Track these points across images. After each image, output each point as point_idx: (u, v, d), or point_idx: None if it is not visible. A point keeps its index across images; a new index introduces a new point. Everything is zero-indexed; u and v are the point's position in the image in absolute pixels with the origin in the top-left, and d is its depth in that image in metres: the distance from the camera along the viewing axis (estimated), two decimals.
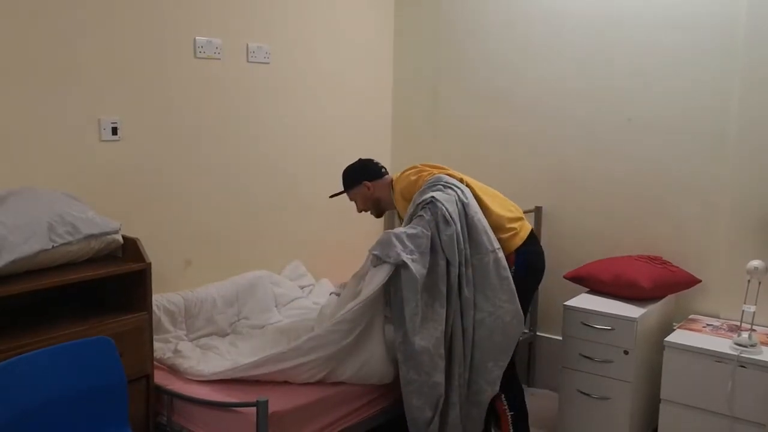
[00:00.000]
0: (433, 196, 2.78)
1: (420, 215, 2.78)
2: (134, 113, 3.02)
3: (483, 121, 3.88)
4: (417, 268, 2.68)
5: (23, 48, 2.65)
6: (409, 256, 2.68)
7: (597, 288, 3.30)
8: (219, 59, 3.32)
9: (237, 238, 3.51)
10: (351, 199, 3.23)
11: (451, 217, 2.74)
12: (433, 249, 2.74)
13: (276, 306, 3.48)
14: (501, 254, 2.82)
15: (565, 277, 3.40)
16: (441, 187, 2.84)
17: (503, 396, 2.93)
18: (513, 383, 2.98)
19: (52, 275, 2.37)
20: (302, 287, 3.70)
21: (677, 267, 3.29)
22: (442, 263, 2.73)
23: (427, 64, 4.17)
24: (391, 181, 3.15)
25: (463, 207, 2.80)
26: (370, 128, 4.23)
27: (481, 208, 2.89)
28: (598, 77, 3.55)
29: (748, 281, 2.88)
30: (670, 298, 3.31)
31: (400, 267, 2.68)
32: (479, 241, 2.78)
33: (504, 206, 3.02)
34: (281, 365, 2.68)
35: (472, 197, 2.88)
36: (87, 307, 2.58)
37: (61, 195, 2.61)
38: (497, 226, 2.90)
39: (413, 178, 3.00)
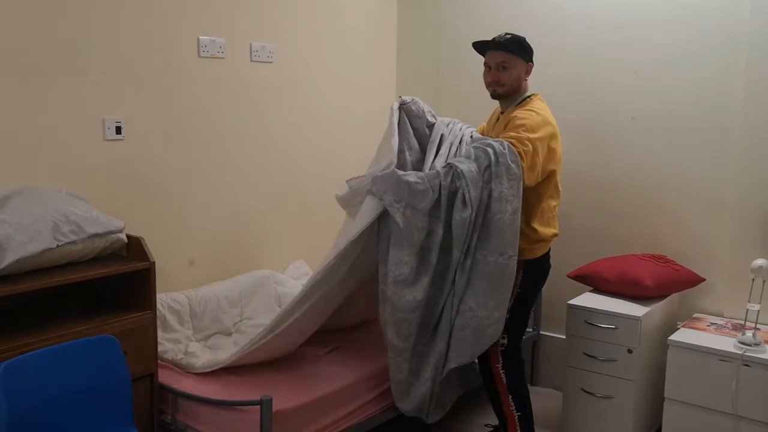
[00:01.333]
0: (462, 171, 2.60)
1: (438, 172, 2.64)
2: (138, 112, 3.02)
3: (487, 113, 3.85)
4: (404, 221, 2.59)
5: (27, 48, 2.66)
6: (396, 206, 2.59)
7: (601, 287, 3.30)
8: (222, 58, 3.32)
9: (240, 237, 3.51)
10: (502, 63, 2.88)
11: (470, 200, 2.58)
12: (434, 216, 2.63)
13: (279, 306, 3.48)
14: (512, 263, 2.65)
15: (568, 276, 3.39)
16: (486, 165, 2.60)
17: (511, 398, 2.91)
18: (520, 385, 2.96)
19: (57, 274, 2.38)
20: None
21: (681, 266, 3.29)
22: (440, 234, 2.63)
23: (430, 62, 4.18)
24: (526, 91, 2.94)
25: (489, 199, 2.62)
26: (374, 127, 4.21)
27: (524, 214, 2.73)
28: (602, 75, 3.55)
29: (753, 280, 2.88)
30: (673, 297, 3.31)
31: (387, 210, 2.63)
32: (490, 240, 2.63)
33: (548, 224, 2.90)
34: (295, 315, 2.70)
35: (513, 196, 2.62)
36: (91, 306, 2.59)
37: (66, 194, 2.62)
38: (524, 235, 2.76)
39: (519, 122, 2.74)
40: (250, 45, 3.45)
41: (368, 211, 2.66)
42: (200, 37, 3.22)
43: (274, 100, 3.61)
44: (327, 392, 2.69)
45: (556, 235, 2.95)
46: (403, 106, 3.10)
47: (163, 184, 3.15)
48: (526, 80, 2.96)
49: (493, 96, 3.00)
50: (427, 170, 2.88)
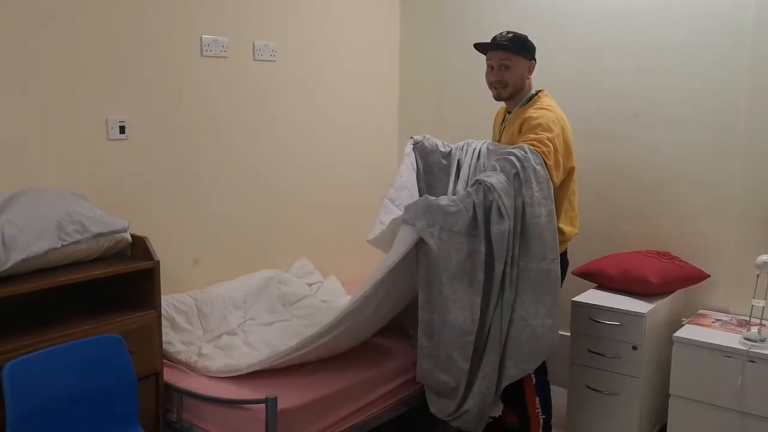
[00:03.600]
0: (492, 184, 2.58)
1: (469, 192, 2.62)
2: (141, 112, 3.02)
3: (490, 114, 3.86)
4: (438, 244, 2.56)
5: (30, 48, 2.66)
6: (430, 230, 2.56)
7: (605, 284, 3.30)
8: (225, 57, 3.33)
9: (244, 236, 3.51)
10: (503, 63, 2.89)
11: (506, 211, 2.57)
12: (473, 234, 2.60)
13: (283, 305, 3.48)
14: (555, 266, 2.66)
15: (573, 273, 3.38)
16: (514, 173, 2.60)
17: (538, 399, 2.93)
18: (546, 386, 2.99)
19: (62, 274, 2.39)
20: (310, 285, 3.70)
21: (686, 262, 3.28)
22: (482, 251, 2.61)
23: (434, 58, 4.17)
24: (531, 89, 2.95)
25: (523, 206, 2.61)
26: (377, 125, 4.23)
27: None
28: (606, 72, 3.54)
29: (757, 276, 2.87)
30: (678, 294, 3.30)
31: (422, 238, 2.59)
32: (531, 246, 2.63)
33: (571, 223, 2.93)
34: (324, 338, 2.68)
35: (545, 198, 2.64)
36: (96, 306, 2.60)
37: (70, 194, 2.63)
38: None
39: (535, 122, 2.75)
40: (253, 44, 3.45)
41: (403, 239, 2.63)
42: (203, 36, 3.23)
43: (278, 98, 3.61)
44: (332, 391, 2.69)
45: (576, 234, 2.98)
46: (416, 146, 3.21)
47: (167, 184, 3.15)
48: (529, 78, 2.97)
49: (497, 98, 3.02)
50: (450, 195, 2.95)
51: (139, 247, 2.60)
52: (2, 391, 2.08)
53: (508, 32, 2.93)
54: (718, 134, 3.25)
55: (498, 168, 2.64)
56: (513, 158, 2.62)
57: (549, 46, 3.67)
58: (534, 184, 2.61)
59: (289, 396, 2.54)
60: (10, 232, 2.29)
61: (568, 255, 3.04)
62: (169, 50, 3.11)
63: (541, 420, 2.95)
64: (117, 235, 2.55)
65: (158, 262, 2.56)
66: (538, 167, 2.62)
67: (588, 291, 3.31)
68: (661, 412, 3.13)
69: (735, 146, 3.19)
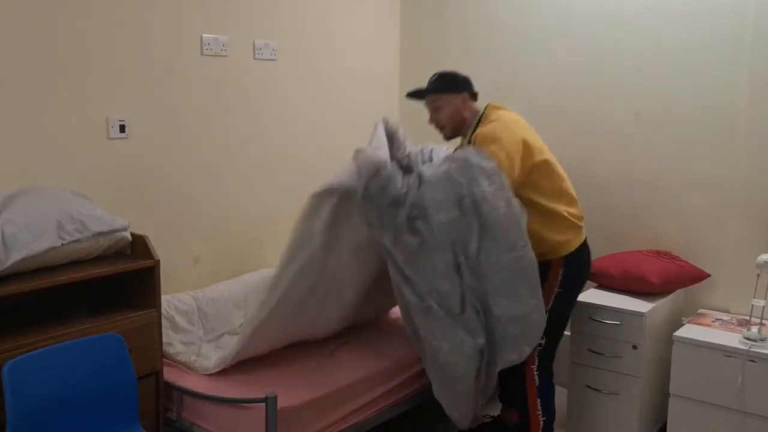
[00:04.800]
0: (427, 177, 2.62)
1: (407, 175, 2.65)
2: (142, 111, 3.02)
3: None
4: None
5: (30, 47, 2.66)
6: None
7: (605, 283, 3.30)
8: (226, 56, 3.33)
9: (245, 234, 3.51)
10: (433, 106, 2.92)
11: (439, 204, 2.58)
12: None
13: None
14: (527, 252, 2.61)
15: None
16: (457, 167, 2.61)
17: (539, 401, 2.92)
18: (550, 388, 2.98)
19: (62, 273, 2.38)
20: None
21: (686, 261, 3.28)
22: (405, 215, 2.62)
23: (434, 57, 4.16)
24: (478, 112, 2.91)
25: (476, 203, 2.56)
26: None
27: (549, 211, 2.78)
28: (606, 71, 3.53)
29: (758, 275, 2.87)
30: (679, 293, 3.30)
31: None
32: (495, 239, 2.59)
33: (561, 231, 2.86)
34: (272, 300, 2.70)
35: (500, 189, 2.59)
36: (96, 305, 2.60)
37: (70, 193, 2.63)
38: (542, 239, 2.76)
39: (480, 139, 2.73)
40: (253, 43, 3.45)
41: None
42: (203, 35, 3.23)
43: (278, 98, 3.61)
44: (333, 389, 2.69)
45: (566, 242, 2.88)
46: (387, 125, 3.13)
47: (167, 183, 3.15)
48: (469, 108, 2.93)
49: (445, 138, 3.02)
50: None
51: (139, 246, 2.60)
52: (2, 390, 2.08)
53: (433, 75, 2.95)
54: (718, 134, 3.25)
55: (442, 167, 2.65)
56: (457, 156, 2.65)
57: (549, 45, 3.68)
58: (482, 179, 2.57)
59: (289, 395, 2.54)
60: (10, 231, 2.29)
61: (588, 241, 2.97)
62: (169, 49, 3.10)
63: (542, 422, 2.94)
64: (117, 233, 2.55)
65: (158, 261, 2.56)
66: (484, 161, 2.59)
67: (588, 290, 3.30)
68: (661, 411, 3.13)
69: (735, 146, 3.19)
